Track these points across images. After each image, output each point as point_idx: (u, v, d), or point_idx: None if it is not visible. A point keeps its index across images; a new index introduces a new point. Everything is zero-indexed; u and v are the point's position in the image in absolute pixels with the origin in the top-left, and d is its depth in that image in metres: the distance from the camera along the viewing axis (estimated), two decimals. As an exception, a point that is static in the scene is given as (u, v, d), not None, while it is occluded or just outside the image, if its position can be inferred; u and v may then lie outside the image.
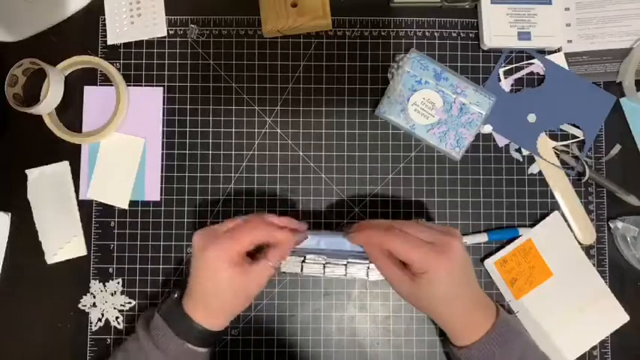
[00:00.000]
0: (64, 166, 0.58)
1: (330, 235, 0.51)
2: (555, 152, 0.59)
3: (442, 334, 0.56)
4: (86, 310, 0.57)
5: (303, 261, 0.51)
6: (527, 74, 0.60)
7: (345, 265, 0.51)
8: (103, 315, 0.57)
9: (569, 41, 0.59)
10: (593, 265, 0.58)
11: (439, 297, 0.47)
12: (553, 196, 0.59)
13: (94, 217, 0.58)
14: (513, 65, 0.60)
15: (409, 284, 0.47)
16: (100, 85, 0.59)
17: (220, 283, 0.47)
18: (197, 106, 0.59)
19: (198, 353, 0.48)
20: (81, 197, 0.58)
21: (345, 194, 0.58)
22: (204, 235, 0.48)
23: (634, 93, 0.58)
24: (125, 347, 0.50)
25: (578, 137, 0.59)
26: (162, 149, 0.59)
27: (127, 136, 0.58)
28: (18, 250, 0.57)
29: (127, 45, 0.59)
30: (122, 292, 0.57)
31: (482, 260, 0.58)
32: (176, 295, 0.50)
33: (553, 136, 0.59)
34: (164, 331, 0.47)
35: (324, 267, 0.51)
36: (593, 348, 0.57)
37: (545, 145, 0.59)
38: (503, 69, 0.59)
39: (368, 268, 0.51)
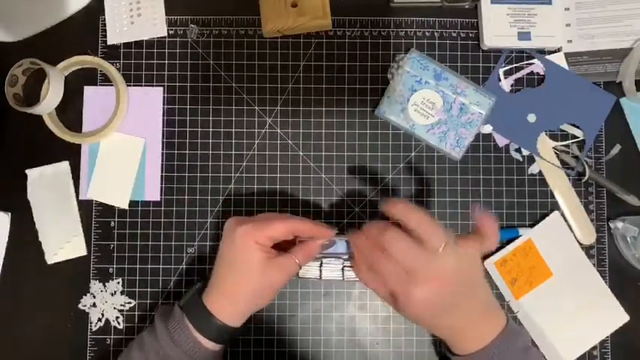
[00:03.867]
0: (64, 166, 0.58)
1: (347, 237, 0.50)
2: (555, 152, 0.59)
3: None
4: (86, 310, 0.57)
5: (321, 265, 0.51)
6: (527, 74, 0.60)
7: None
8: (103, 315, 0.57)
9: (569, 41, 0.59)
10: (593, 265, 0.58)
11: (423, 316, 0.45)
12: (553, 196, 0.59)
13: (94, 217, 0.58)
14: (513, 65, 0.60)
15: (392, 302, 0.46)
16: (100, 85, 0.59)
17: (245, 262, 0.47)
18: (197, 106, 0.59)
19: (210, 351, 0.48)
20: (81, 197, 0.58)
21: (345, 194, 0.58)
22: (237, 219, 0.49)
23: (634, 93, 0.58)
24: (141, 338, 0.49)
25: (578, 137, 0.59)
26: (163, 149, 0.59)
27: (127, 136, 0.58)
28: (18, 250, 0.57)
29: (127, 45, 0.59)
30: (122, 292, 0.57)
31: (482, 260, 0.57)
32: (197, 287, 0.50)
33: (553, 136, 0.59)
34: (181, 324, 0.47)
35: (343, 270, 0.51)
36: (593, 348, 0.57)
37: (545, 145, 0.59)
38: (503, 69, 0.59)
39: None
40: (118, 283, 0.57)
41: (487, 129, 0.59)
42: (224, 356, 0.52)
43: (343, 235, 0.50)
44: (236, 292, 0.48)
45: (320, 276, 0.51)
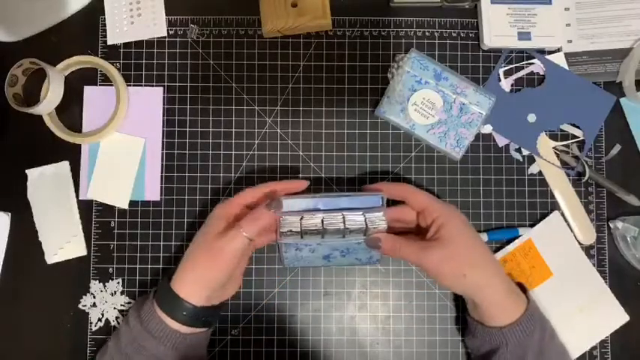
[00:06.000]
0: (64, 166, 0.58)
1: (328, 197, 0.50)
2: (555, 152, 0.59)
3: (462, 327, 0.56)
4: (86, 310, 0.57)
5: (301, 218, 0.50)
6: (527, 74, 0.60)
7: (343, 217, 0.49)
8: (103, 315, 0.57)
9: (569, 41, 0.59)
10: (593, 265, 0.58)
11: (466, 247, 0.48)
12: (553, 196, 0.59)
13: (94, 217, 0.58)
14: (513, 65, 0.60)
15: (434, 246, 0.48)
16: (100, 85, 0.59)
17: (205, 238, 0.48)
18: (197, 106, 0.59)
19: (180, 335, 0.47)
20: (81, 197, 0.58)
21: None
22: None
23: (634, 93, 0.58)
24: (117, 329, 0.50)
25: (578, 137, 0.59)
26: (163, 149, 0.59)
27: (127, 136, 0.58)
28: (18, 250, 0.57)
29: (127, 45, 0.59)
30: (122, 292, 0.57)
31: (482, 260, 0.58)
32: (170, 272, 0.50)
33: (553, 136, 0.59)
34: (150, 308, 0.48)
35: (323, 221, 0.50)
36: (593, 348, 0.57)
37: (545, 145, 0.59)
38: (503, 69, 0.59)
39: (364, 215, 0.49)
40: (118, 283, 0.57)
41: (487, 129, 0.59)
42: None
43: (312, 194, 0.51)
44: (193, 266, 0.48)
45: (322, 226, 0.49)
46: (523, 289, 0.52)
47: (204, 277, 0.48)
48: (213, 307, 0.50)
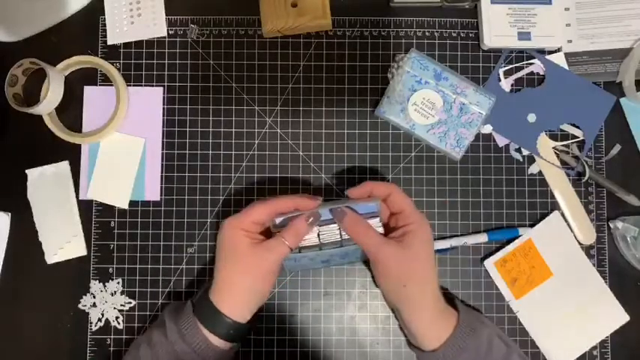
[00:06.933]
0: (64, 166, 0.58)
1: (323, 208, 0.50)
2: (555, 152, 0.59)
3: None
4: (86, 310, 0.57)
5: (319, 234, 0.49)
6: (527, 74, 0.60)
7: (339, 227, 0.49)
8: (103, 315, 0.57)
9: (569, 41, 0.59)
10: (593, 265, 0.58)
11: (422, 259, 0.48)
12: (553, 196, 0.59)
13: (94, 217, 0.58)
14: (513, 65, 0.60)
15: (395, 244, 0.47)
16: (100, 85, 0.59)
17: (234, 250, 0.47)
18: (197, 106, 0.59)
19: (220, 350, 0.47)
20: (81, 197, 0.58)
21: (345, 195, 0.58)
22: (228, 218, 0.49)
23: (634, 93, 0.58)
24: (149, 335, 0.49)
25: (578, 137, 0.59)
26: (163, 149, 0.59)
27: (127, 136, 0.58)
28: (18, 250, 0.57)
29: (127, 45, 0.59)
30: (122, 292, 0.57)
31: (482, 260, 0.58)
32: (206, 285, 0.50)
33: (553, 136, 0.59)
34: (191, 322, 0.47)
35: (319, 235, 0.49)
36: (593, 348, 0.57)
37: (545, 145, 0.59)
38: (503, 69, 0.59)
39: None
40: (118, 283, 0.57)
41: (487, 129, 0.59)
42: (235, 357, 0.52)
43: (330, 202, 0.50)
44: (232, 282, 0.48)
45: (319, 240, 0.49)
46: (454, 304, 0.51)
47: (251, 293, 0.48)
48: (251, 320, 0.50)
